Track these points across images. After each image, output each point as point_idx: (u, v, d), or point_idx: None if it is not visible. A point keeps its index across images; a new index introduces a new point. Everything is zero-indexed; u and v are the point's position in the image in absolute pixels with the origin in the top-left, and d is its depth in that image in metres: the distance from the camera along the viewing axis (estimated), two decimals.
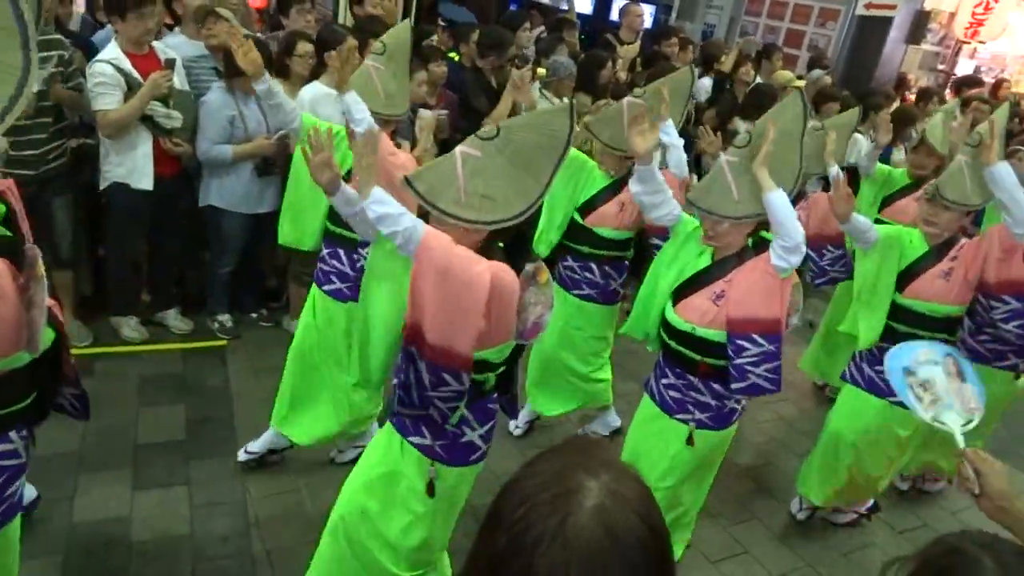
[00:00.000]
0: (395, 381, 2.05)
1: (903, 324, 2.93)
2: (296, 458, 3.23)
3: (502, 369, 2.17)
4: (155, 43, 3.62)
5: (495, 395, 2.24)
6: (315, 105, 3.61)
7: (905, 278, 2.92)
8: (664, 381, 2.60)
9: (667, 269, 2.61)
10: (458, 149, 1.98)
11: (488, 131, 2.02)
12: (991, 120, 2.83)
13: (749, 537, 3.24)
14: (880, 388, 2.94)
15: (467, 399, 2.02)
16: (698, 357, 2.49)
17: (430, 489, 2.12)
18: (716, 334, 2.42)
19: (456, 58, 4.80)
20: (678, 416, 2.56)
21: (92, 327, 3.87)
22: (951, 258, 2.90)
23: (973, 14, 8.49)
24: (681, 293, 2.53)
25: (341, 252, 2.96)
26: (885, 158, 5.40)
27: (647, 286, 2.69)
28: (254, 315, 4.28)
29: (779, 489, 3.59)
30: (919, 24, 8.19)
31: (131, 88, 3.43)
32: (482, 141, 2.00)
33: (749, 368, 2.38)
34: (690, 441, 2.52)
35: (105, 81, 3.38)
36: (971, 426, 1.73)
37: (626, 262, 3.41)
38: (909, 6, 8.00)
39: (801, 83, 6.09)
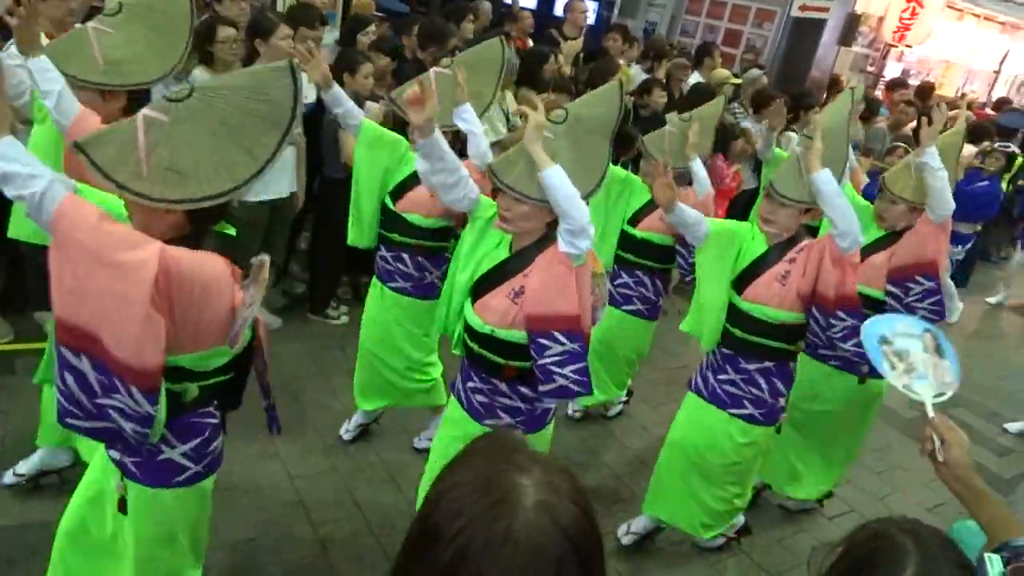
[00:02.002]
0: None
1: (739, 329, 2.71)
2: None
3: (219, 379, 1.85)
4: (76, 26, 3.46)
5: (206, 409, 1.89)
6: None
7: (744, 279, 2.70)
8: (470, 384, 2.37)
9: (465, 262, 2.35)
10: (141, 113, 1.64)
11: (178, 92, 1.68)
12: (818, 118, 2.63)
13: None
14: (723, 400, 2.76)
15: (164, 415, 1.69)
16: (502, 360, 2.26)
17: (120, 506, 1.86)
18: (518, 335, 2.20)
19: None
20: (486, 422, 2.35)
21: (11, 321, 3.70)
22: (789, 260, 2.65)
23: (900, 19, 8.83)
24: (479, 290, 2.27)
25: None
26: None
27: (448, 279, 2.44)
28: None
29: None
30: (850, 27, 8.48)
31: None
32: (170, 103, 1.66)
33: (554, 369, 2.16)
34: None
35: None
36: (943, 399, 1.73)
37: (447, 254, 3.01)
38: (841, 9, 8.27)
39: (737, 81, 6.25)
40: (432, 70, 2.85)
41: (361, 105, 4.03)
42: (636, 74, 6.34)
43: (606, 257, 3.53)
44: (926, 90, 8.69)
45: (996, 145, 6.17)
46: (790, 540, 3.36)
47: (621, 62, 6.26)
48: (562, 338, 2.13)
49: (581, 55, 6.25)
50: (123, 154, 1.62)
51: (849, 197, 2.90)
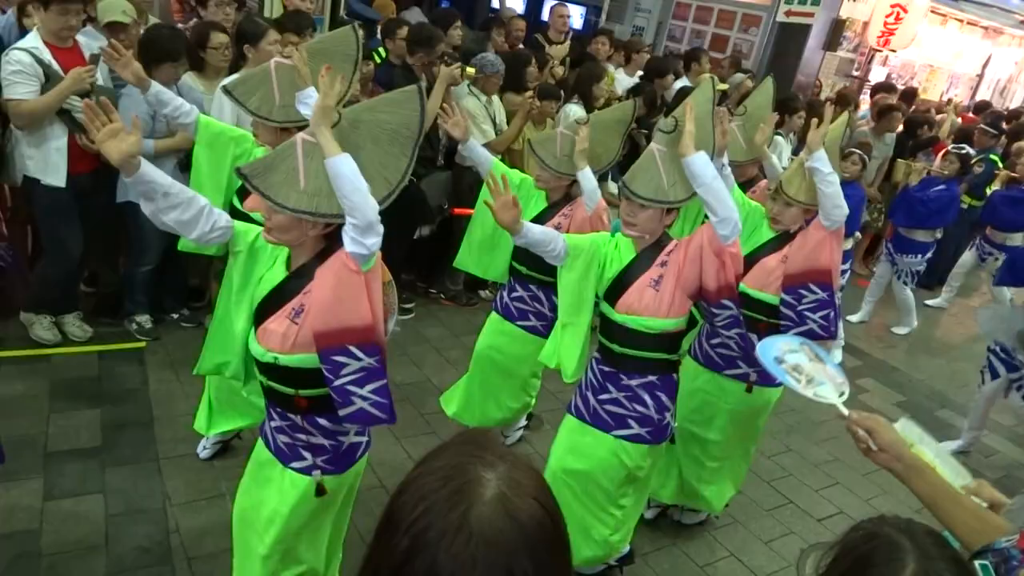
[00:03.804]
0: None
1: (617, 343, 2.53)
2: (218, 464, 3.14)
3: None
4: (79, 37, 3.47)
5: None
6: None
7: (615, 290, 2.51)
8: (272, 424, 2.12)
9: (238, 298, 2.07)
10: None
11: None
12: (687, 103, 2.41)
13: (674, 529, 3.32)
14: (606, 422, 2.58)
15: None
16: (292, 391, 2.01)
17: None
18: (304, 359, 1.94)
19: (383, 55, 4.75)
20: (293, 465, 2.08)
21: None
22: (660, 263, 2.47)
23: (885, 24, 8.90)
24: (260, 317, 2.01)
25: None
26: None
27: (217, 323, 2.16)
28: (175, 315, 4.13)
29: None
30: (835, 32, 8.54)
31: (49, 80, 3.28)
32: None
33: (353, 389, 1.93)
34: (320, 491, 2.08)
35: (21, 70, 3.22)
36: (845, 396, 1.84)
37: None
38: (826, 14, 8.33)
39: (724, 86, 6.29)
40: (273, 60, 2.65)
41: None
42: (621, 79, 6.38)
43: (501, 266, 3.36)
44: (910, 95, 8.79)
45: (950, 147, 5.90)
46: (779, 542, 3.38)
47: (610, 67, 6.31)
48: (358, 352, 1.90)
49: (568, 59, 6.28)
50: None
51: (738, 199, 2.89)
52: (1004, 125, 7.94)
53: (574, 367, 2.59)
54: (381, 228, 1.85)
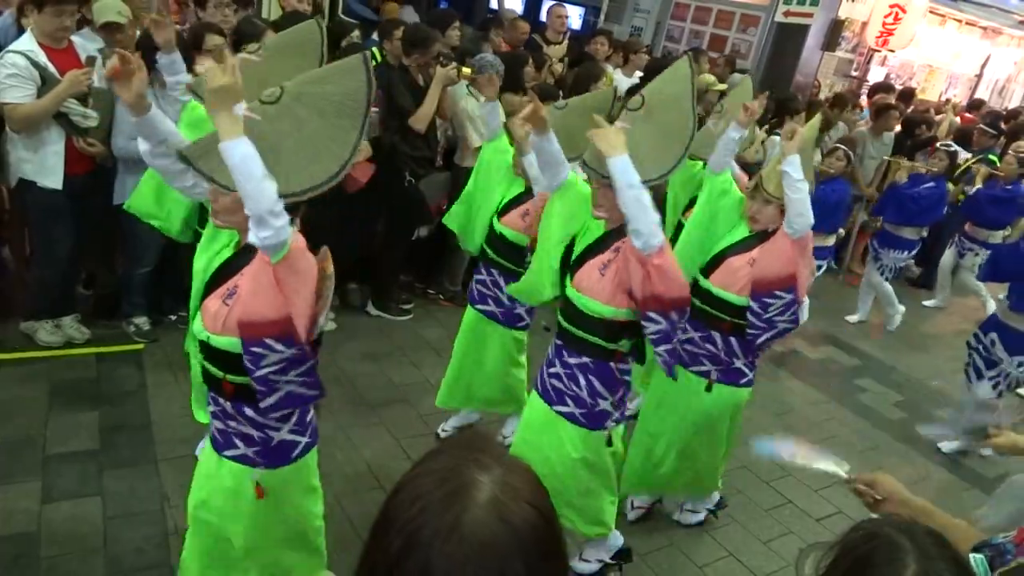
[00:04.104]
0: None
1: (565, 319, 2.54)
2: None
3: None
4: (74, 38, 3.47)
5: None
6: None
7: (576, 265, 2.51)
8: (211, 408, 2.11)
9: (195, 275, 2.10)
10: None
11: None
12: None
13: (673, 529, 3.32)
14: (550, 396, 2.61)
15: None
16: (220, 373, 1.98)
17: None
18: (229, 342, 1.89)
19: (381, 56, 4.75)
20: (227, 453, 2.06)
21: None
22: (614, 249, 2.42)
23: (883, 24, 8.90)
24: (206, 292, 2.02)
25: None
26: None
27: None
28: (173, 317, 4.13)
29: None
30: (834, 32, 8.53)
31: (46, 83, 3.27)
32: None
33: (276, 377, 1.89)
34: (260, 492, 2.06)
35: (17, 73, 3.21)
36: (846, 467, 1.77)
37: None
38: (824, 15, 8.33)
39: (722, 86, 6.30)
40: (239, 55, 2.51)
41: None
42: (620, 79, 6.38)
43: (476, 239, 3.42)
44: (908, 95, 8.79)
45: (938, 144, 5.87)
46: (778, 542, 3.38)
47: (608, 67, 6.32)
48: (276, 345, 1.84)
49: (566, 59, 6.29)
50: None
51: (726, 184, 2.91)
52: (1003, 125, 7.96)
53: (545, 290, 2.64)
54: (279, 221, 1.71)
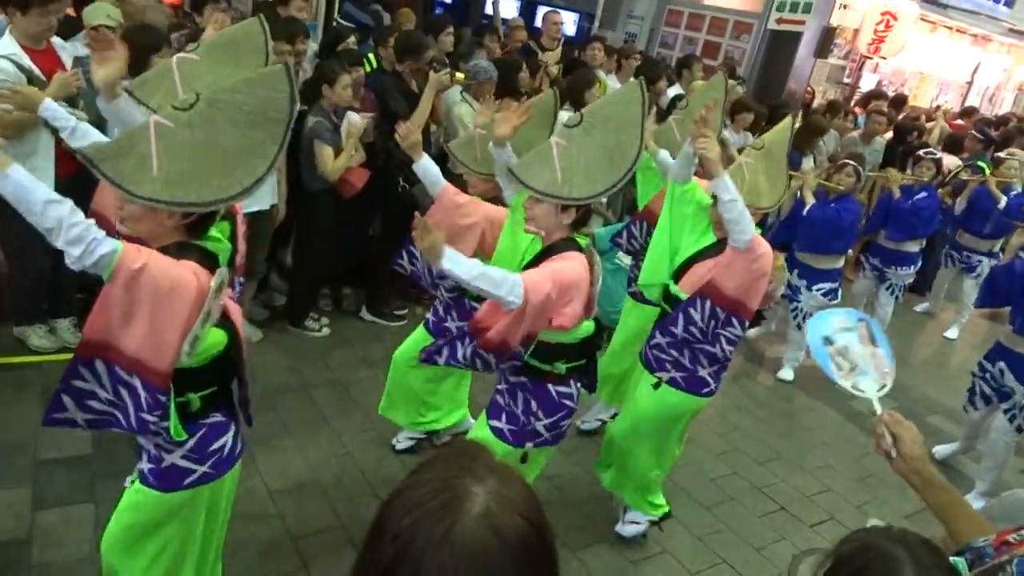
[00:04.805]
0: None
1: None
2: None
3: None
4: (64, 43, 3.46)
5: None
6: None
7: None
8: None
9: None
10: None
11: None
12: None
13: (666, 536, 3.32)
14: (489, 409, 2.65)
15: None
16: None
17: None
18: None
19: (376, 62, 4.76)
20: (139, 466, 2.03)
21: None
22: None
23: (875, 31, 8.98)
24: None
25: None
26: (795, 166, 5.66)
27: None
28: None
29: (695, 489, 3.70)
30: (826, 39, 8.60)
31: (32, 85, 3.25)
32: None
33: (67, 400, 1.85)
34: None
35: (5, 79, 3.19)
36: (885, 391, 1.74)
37: None
38: (817, 22, 8.39)
39: None
40: (175, 56, 2.45)
41: (340, 117, 4.05)
42: (613, 85, 6.41)
43: None
44: (900, 101, 8.85)
45: (922, 152, 5.64)
46: (770, 549, 3.38)
47: (602, 74, 6.35)
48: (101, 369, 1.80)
49: (560, 66, 6.32)
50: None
51: (691, 192, 2.88)
52: (993, 131, 8.02)
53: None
54: (77, 250, 1.64)
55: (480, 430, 2.62)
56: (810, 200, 4.80)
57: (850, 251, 5.25)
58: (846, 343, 1.81)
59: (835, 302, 4.91)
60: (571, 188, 2.27)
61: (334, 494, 3.15)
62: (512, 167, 2.38)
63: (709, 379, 2.89)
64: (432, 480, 0.84)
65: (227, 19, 3.68)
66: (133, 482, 2.04)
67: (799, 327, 5.01)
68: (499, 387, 2.63)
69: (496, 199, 3.04)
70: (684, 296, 2.84)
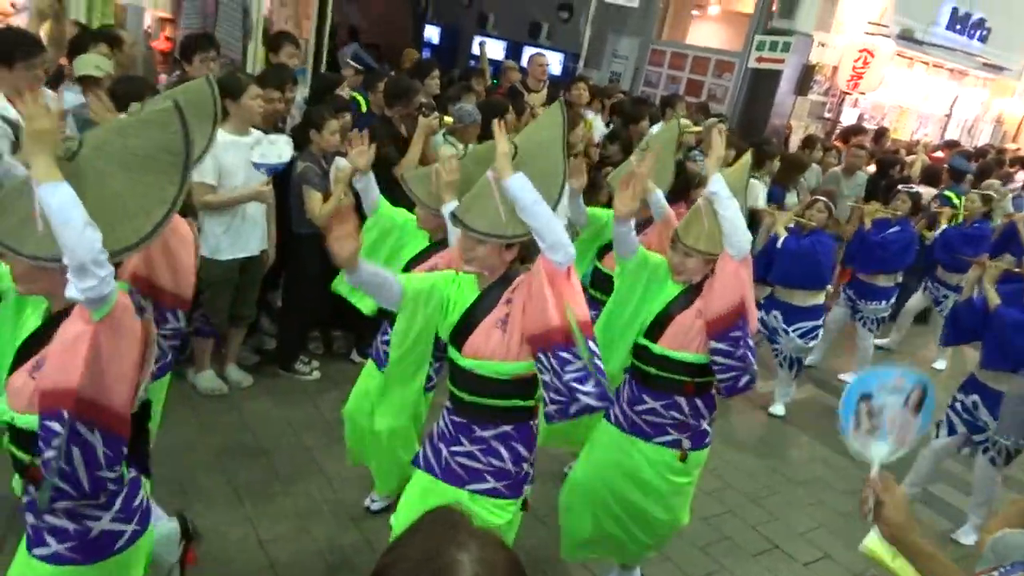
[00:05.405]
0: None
1: (467, 391, 2.27)
2: None
3: None
4: (42, 88, 3.49)
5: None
6: (218, 153, 3.56)
7: (460, 333, 2.26)
8: (25, 499, 1.94)
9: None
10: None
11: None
12: (495, 124, 2.33)
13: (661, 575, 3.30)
14: (459, 477, 2.31)
15: None
16: (27, 458, 1.81)
17: None
18: (31, 420, 1.71)
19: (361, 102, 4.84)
20: (35, 552, 1.83)
21: None
22: (506, 301, 2.23)
23: (853, 68, 9.19)
24: (11, 368, 1.84)
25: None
26: (779, 202, 5.75)
27: None
28: None
29: (687, 529, 3.67)
30: (806, 77, 8.80)
31: (18, 136, 3.28)
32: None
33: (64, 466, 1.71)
34: None
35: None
36: (894, 457, 1.67)
37: None
38: (796, 60, 8.59)
39: (697, 129, 6.46)
40: (121, 115, 2.43)
41: (329, 162, 4.10)
42: (599, 125, 6.52)
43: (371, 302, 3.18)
44: (880, 134, 9.03)
45: (900, 187, 5.74)
46: None
47: (589, 113, 6.47)
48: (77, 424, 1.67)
49: (546, 106, 6.42)
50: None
51: (642, 257, 2.74)
52: (973, 163, 8.18)
53: (390, 425, 2.41)
54: (103, 271, 1.61)
55: (449, 497, 2.28)
56: (782, 234, 4.88)
57: (830, 287, 5.25)
58: (884, 403, 1.69)
59: (814, 343, 4.96)
60: (515, 225, 2.17)
61: (325, 543, 3.11)
62: (455, 210, 2.29)
63: (709, 428, 2.85)
64: (416, 553, 0.84)
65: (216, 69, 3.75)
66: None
67: (782, 366, 5.08)
68: (459, 450, 2.30)
69: (447, 239, 2.88)
70: (672, 353, 2.70)
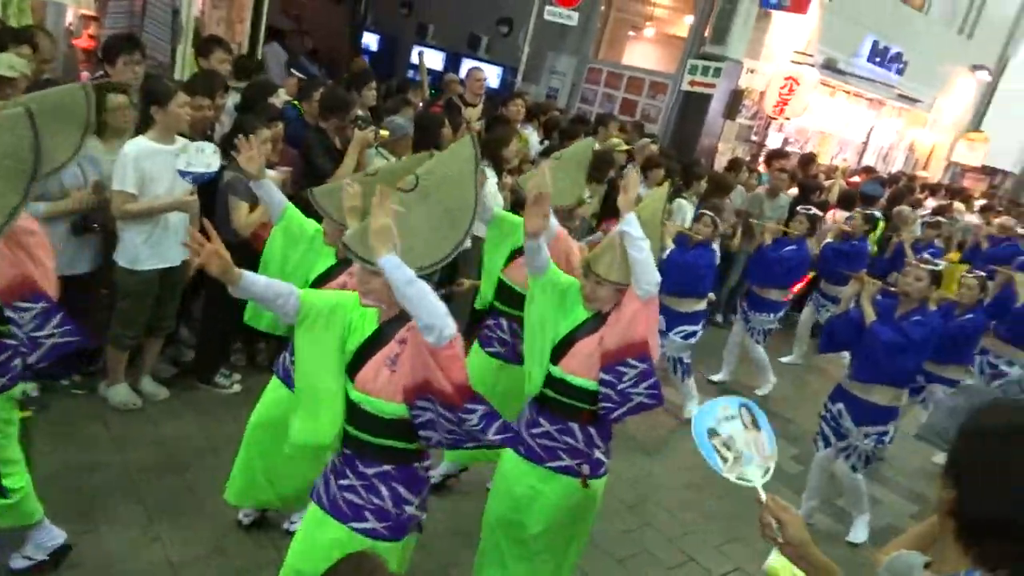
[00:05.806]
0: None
1: (353, 425, 2.21)
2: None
3: None
4: None
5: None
6: (140, 161, 3.47)
7: (354, 366, 2.19)
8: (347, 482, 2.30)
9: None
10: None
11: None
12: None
13: None
14: (343, 512, 2.24)
15: None
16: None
17: None
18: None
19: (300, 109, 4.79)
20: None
21: None
22: (400, 340, 2.14)
23: (780, 94, 9.56)
24: None
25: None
26: None
27: None
28: (65, 382, 3.93)
29: (605, 542, 3.74)
30: (735, 101, 9.12)
31: None
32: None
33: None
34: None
35: None
36: (768, 476, 1.79)
37: None
38: (726, 84, 8.90)
39: (628, 147, 6.63)
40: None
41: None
42: (533, 140, 6.61)
43: (267, 319, 3.25)
44: (808, 160, 9.41)
45: (799, 209, 6.20)
46: None
47: (527, 128, 6.55)
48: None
49: (483, 121, 6.48)
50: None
51: (554, 275, 2.72)
52: (885, 189, 8.62)
53: (329, 434, 2.23)
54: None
55: (334, 532, 2.23)
56: (669, 246, 5.17)
57: (712, 295, 5.51)
58: (730, 432, 1.84)
59: (693, 342, 5.21)
60: (415, 257, 2.08)
61: (241, 565, 3.05)
62: (345, 240, 2.16)
63: (604, 458, 2.78)
64: None
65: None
66: None
67: (674, 372, 5.33)
68: (347, 482, 2.23)
69: None
70: (571, 378, 2.66)
